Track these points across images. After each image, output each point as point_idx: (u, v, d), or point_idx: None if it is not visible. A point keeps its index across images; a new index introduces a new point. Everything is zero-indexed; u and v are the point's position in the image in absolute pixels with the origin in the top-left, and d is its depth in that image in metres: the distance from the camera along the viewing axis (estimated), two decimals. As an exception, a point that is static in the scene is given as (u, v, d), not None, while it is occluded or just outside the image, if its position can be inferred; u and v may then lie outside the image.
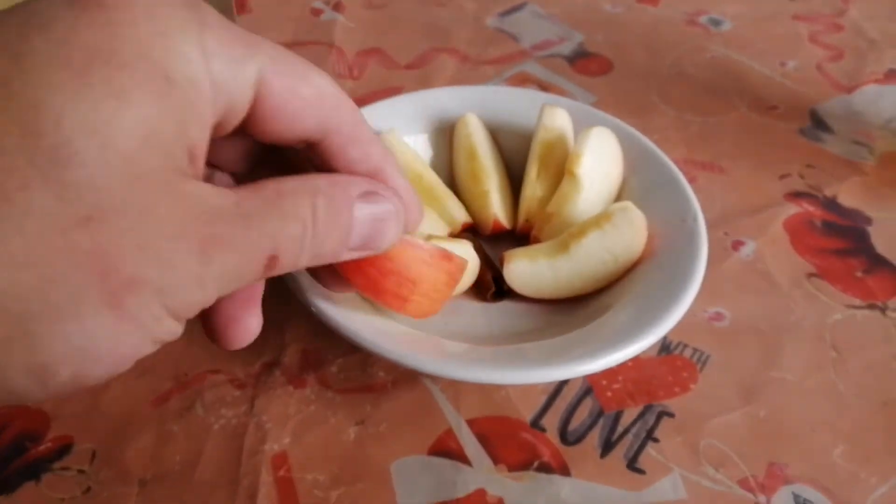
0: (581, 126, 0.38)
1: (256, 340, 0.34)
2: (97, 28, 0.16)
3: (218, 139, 0.19)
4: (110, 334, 0.16)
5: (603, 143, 0.37)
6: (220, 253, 0.17)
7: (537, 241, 0.36)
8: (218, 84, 0.18)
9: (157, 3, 0.17)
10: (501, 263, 0.35)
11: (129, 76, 0.16)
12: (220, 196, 0.18)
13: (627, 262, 0.34)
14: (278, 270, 0.19)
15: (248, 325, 0.23)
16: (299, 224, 0.19)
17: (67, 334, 0.15)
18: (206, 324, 0.23)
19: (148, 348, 0.17)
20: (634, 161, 0.38)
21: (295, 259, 0.19)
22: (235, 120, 0.19)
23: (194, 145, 0.17)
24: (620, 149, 0.38)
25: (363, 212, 0.21)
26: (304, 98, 0.19)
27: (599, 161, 0.36)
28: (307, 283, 0.30)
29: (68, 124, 0.15)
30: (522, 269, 0.34)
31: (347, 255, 0.22)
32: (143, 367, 0.33)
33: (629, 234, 0.34)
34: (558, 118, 0.38)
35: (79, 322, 0.16)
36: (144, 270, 0.16)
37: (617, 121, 0.39)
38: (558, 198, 0.36)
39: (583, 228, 0.34)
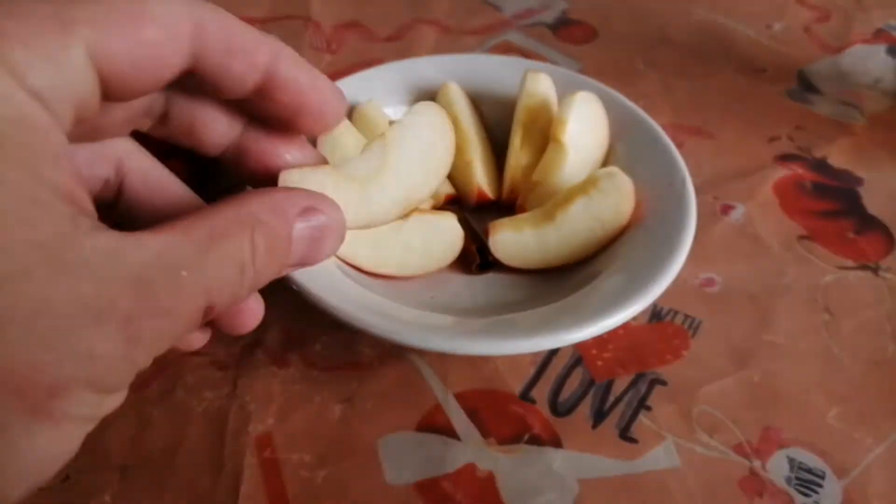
0: (565, 93, 0.37)
1: (237, 320, 0.33)
2: None
3: (91, 115, 0.17)
4: (45, 442, 0.14)
5: (588, 108, 0.36)
6: (147, 325, 0.15)
7: (523, 210, 0.35)
8: (46, 98, 0.15)
9: None
10: (487, 235, 0.34)
11: None
12: (137, 248, 0.15)
13: (615, 228, 0.33)
14: (215, 315, 0.17)
15: (254, 310, 0.22)
16: (237, 268, 0.17)
17: (6, 458, 0.14)
18: (210, 322, 0.21)
19: (85, 433, 0.16)
20: (620, 126, 0.37)
21: (233, 300, 0.17)
22: (95, 101, 0.16)
23: (61, 184, 0.14)
24: (605, 114, 0.37)
25: (302, 232, 0.19)
26: (154, 42, 0.17)
27: (584, 127, 0.36)
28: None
29: None
30: (508, 239, 0.33)
31: (285, 273, 0.20)
32: (122, 351, 0.32)
33: (616, 199, 0.33)
34: (541, 84, 0.37)
35: (12, 445, 0.14)
36: (65, 372, 0.14)
37: (602, 86, 0.38)
38: (543, 165, 0.35)
39: (569, 196, 0.33)
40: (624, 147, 0.36)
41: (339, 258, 0.32)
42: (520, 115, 0.37)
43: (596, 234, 0.33)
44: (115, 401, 0.16)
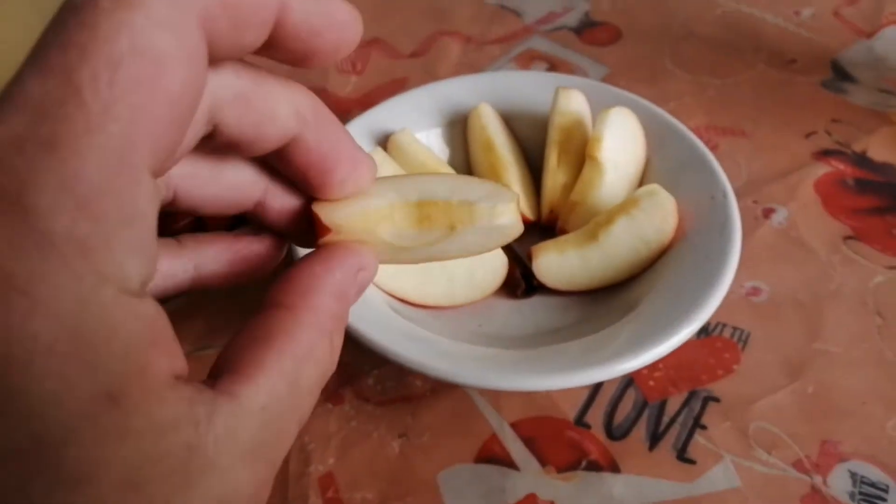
0: (598, 105, 0.37)
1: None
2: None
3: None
4: None
5: (623, 123, 0.36)
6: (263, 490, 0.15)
7: (564, 231, 0.35)
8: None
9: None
10: (530, 258, 0.34)
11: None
12: (246, 416, 0.15)
13: (659, 246, 0.33)
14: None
15: None
16: (323, 378, 0.17)
17: None
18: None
19: None
20: (656, 139, 0.37)
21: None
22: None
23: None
24: (641, 128, 0.36)
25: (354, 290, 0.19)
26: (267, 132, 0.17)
27: (621, 142, 0.35)
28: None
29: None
30: (552, 262, 0.33)
31: None
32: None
33: (659, 218, 0.33)
34: (573, 101, 0.37)
35: None
36: None
37: (633, 96, 0.38)
38: (581, 184, 0.35)
39: (610, 216, 0.33)
40: (661, 161, 0.36)
41: (385, 291, 0.32)
42: (554, 135, 0.37)
43: (640, 254, 0.33)
44: None
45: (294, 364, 0.16)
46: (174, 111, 0.14)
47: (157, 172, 0.14)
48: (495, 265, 0.34)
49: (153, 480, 0.13)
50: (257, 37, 0.15)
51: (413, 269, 0.32)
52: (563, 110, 0.37)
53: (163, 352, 0.14)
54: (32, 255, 0.12)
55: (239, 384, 0.15)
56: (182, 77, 0.13)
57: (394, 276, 0.32)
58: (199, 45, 0.14)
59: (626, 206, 0.33)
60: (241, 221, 0.21)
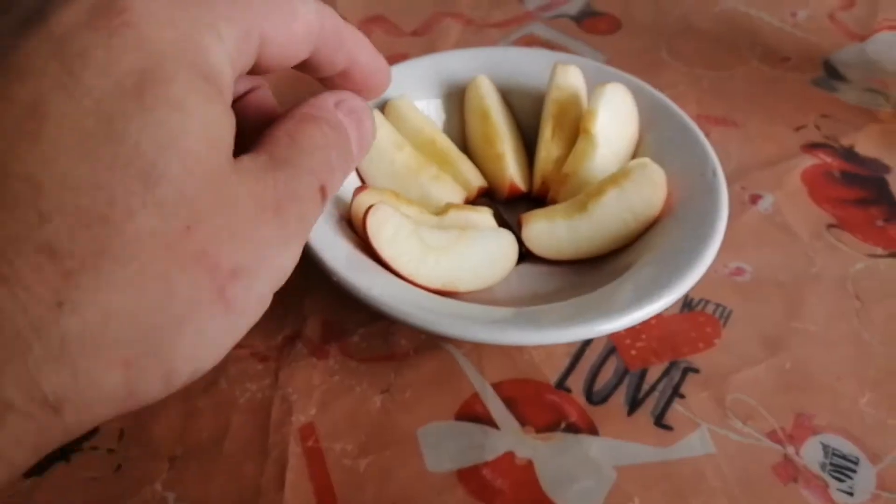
0: (593, 84, 0.38)
1: (277, 313, 0.34)
2: (132, 50, 0.17)
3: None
4: (223, 327, 0.18)
5: (617, 99, 0.36)
6: (287, 211, 0.19)
7: (554, 202, 0.36)
8: (234, 64, 0.19)
9: (173, 6, 0.18)
10: (519, 226, 0.34)
11: (179, 87, 0.17)
12: (257, 163, 0.19)
13: (647, 219, 0.33)
14: (329, 196, 0.21)
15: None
16: (324, 151, 0.21)
17: (190, 337, 0.17)
18: None
19: (242, 333, 0.19)
20: (649, 117, 0.37)
21: (335, 179, 0.22)
22: (246, 70, 0.21)
23: (230, 123, 0.19)
24: (635, 106, 0.37)
25: (346, 119, 0.23)
26: (297, 36, 0.21)
27: (615, 118, 0.36)
28: (327, 253, 0.30)
29: (147, 148, 0.16)
30: (541, 230, 0.34)
31: (361, 157, 0.24)
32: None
33: (648, 190, 0.33)
34: (571, 76, 0.38)
35: (197, 323, 0.17)
36: (242, 259, 0.18)
37: (630, 76, 0.39)
38: (574, 157, 0.36)
39: (601, 187, 0.34)
40: (654, 137, 0.37)
41: (401, 277, 0.32)
42: (550, 108, 0.37)
43: (628, 225, 0.33)
44: (267, 302, 0.19)
45: (285, 135, 0.21)
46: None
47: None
48: (508, 249, 0.34)
49: (216, 146, 0.18)
50: (335, 67, 0.23)
51: (428, 256, 0.32)
52: (560, 85, 0.37)
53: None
54: None
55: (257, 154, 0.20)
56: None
57: (410, 263, 0.32)
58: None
59: (617, 177, 0.34)
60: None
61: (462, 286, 0.32)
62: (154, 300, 0.16)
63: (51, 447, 0.16)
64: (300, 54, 0.22)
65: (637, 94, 0.38)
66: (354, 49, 0.24)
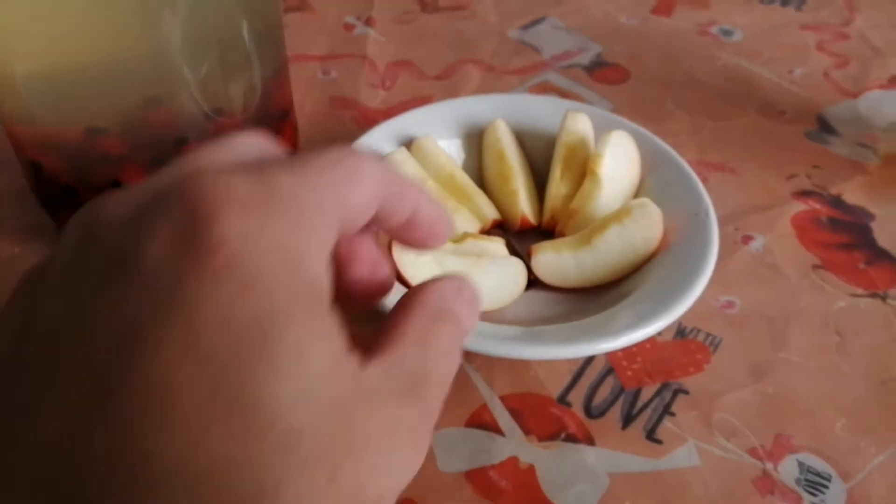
0: (600, 131, 0.42)
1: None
2: (242, 296, 0.15)
3: None
4: None
5: (622, 145, 0.40)
6: (421, 433, 0.19)
7: (562, 235, 0.40)
8: (329, 250, 0.19)
9: (266, 220, 0.16)
10: (529, 256, 0.38)
11: (297, 329, 0.16)
12: (388, 381, 0.19)
13: (646, 253, 0.37)
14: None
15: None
16: (450, 359, 0.21)
17: None
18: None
19: None
20: (651, 161, 0.41)
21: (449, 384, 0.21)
22: None
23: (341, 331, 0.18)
24: (637, 151, 0.41)
25: (464, 307, 0.22)
26: (368, 199, 0.20)
27: (618, 161, 0.40)
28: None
29: (280, 410, 0.15)
30: (549, 260, 0.37)
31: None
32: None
33: (647, 227, 0.37)
34: (580, 123, 0.42)
35: None
36: (384, 485, 0.18)
37: (634, 125, 0.43)
38: (581, 195, 0.39)
39: (604, 223, 0.38)
40: (654, 180, 0.40)
41: None
42: (560, 151, 0.41)
43: (628, 258, 0.37)
44: None
45: (419, 338, 0.20)
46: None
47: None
48: (519, 280, 0.37)
49: (339, 383, 0.17)
50: (400, 218, 0.22)
51: None
52: (570, 130, 0.41)
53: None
54: None
55: (379, 360, 0.19)
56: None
57: None
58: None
59: (619, 215, 0.37)
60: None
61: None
62: None
63: None
64: (370, 213, 0.21)
65: (640, 141, 0.41)
66: (417, 199, 0.22)
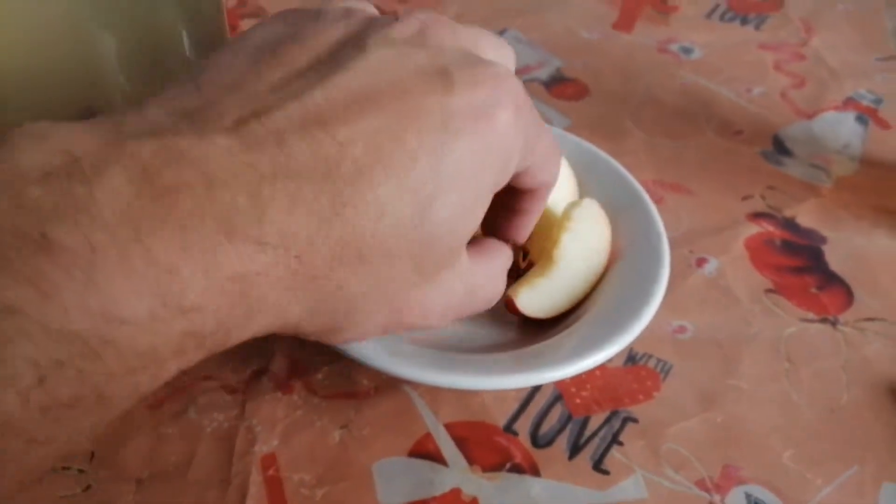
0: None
1: (246, 349, 0.36)
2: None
3: None
4: (437, 296, 0.27)
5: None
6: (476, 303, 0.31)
7: (530, 263, 0.38)
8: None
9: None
10: (510, 305, 0.35)
11: None
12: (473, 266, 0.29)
13: (606, 249, 0.37)
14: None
15: None
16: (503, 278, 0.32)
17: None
18: None
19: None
20: (602, 182, 0.40)
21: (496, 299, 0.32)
22: None
23: None
24: (569, 167, 0.41)
25: None
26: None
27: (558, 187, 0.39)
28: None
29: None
30: (530, 298, 0.35)
31: None
32: (140, 373, 0.35)
33: (595, 224, 0.37)
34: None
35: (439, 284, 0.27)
36: (455, 244, 0.27)
37: (587, 144, 0.42)
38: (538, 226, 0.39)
39: (555, 237, 0.36)
40: (607, 202, 0.40)
41: None
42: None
43: (593, 260, 0.36)
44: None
45: (489, 255, 0.32)
46: None
47: None
48: None
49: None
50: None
51: None
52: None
53: None
54: None
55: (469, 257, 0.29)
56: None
57: None
58: None
59: (562, 222, 0.36)
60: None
61: None
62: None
63: None
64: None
65: (593, 161, 0.41)
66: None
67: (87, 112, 0.36)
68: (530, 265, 0.38)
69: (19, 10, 0.32)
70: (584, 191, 0.41)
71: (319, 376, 0.36)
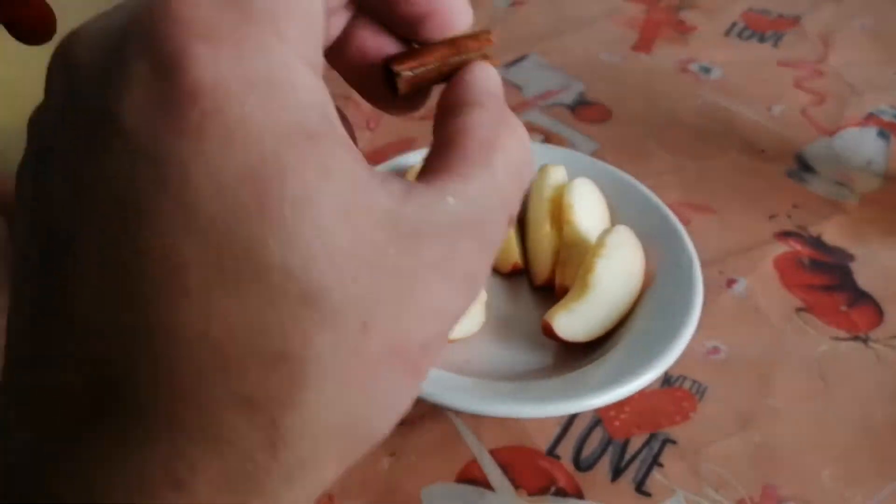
0: (578, 174, 0.42)
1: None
2: (230, 149, 0.14)
3: None
4: (411, 395, 0.17)
5: (586, 189, 0.42)
6: (475, 274, 0.17)
7: (562, 287, 0.39)
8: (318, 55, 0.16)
9: (236, 53, 0.14)
10: (547, 330, 0.36)
11: (296, 174, 0.14)
12: (445, 211, 0.16)
13: (641, 273, 0.38)
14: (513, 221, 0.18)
15: None
16: (520, 175, 0.18)
17: (386, 416, 0.17)
18: None
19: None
20: (632, 207, 0.42)
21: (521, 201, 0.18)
22: None
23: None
24: (599, 191, 0.42)
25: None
26: None
27: (587, 204, 0.41)
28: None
29: (295, 264, 0.14)
30: (568, 322, 0.36)
31: None
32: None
33: (628, 250, 0.38)
34: (560, 175, 0.43)
35: (395, 405, 0.17)
36: (429, 330, 0.16)
37: (615, 169, 0.44)
38: (566, 245, 0.40)
39: (589, 263, 0.38)
40: (638, 228, 0.41)
41: None
42: (545, 206, 0.41)
43: (628, 284, 0.38)
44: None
45: (486, 162, 0.17)
46: None
47: None
48: (473, 311, 0.38)
49: (361, 223, 0.15)
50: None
51: None
52: (552, 184, 0.42)
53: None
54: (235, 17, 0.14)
55: (444, 185, 0.16)
56: None
57: None
58: None
59: (597, 249, 0.38)
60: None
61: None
62: (357, 409, 0.16)
63: None
64: None
65: (621, 186, 0.42)
66: None
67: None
68: (565, 290, 0.39)
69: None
70: (615, 216, 0.42)
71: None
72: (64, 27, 0.30)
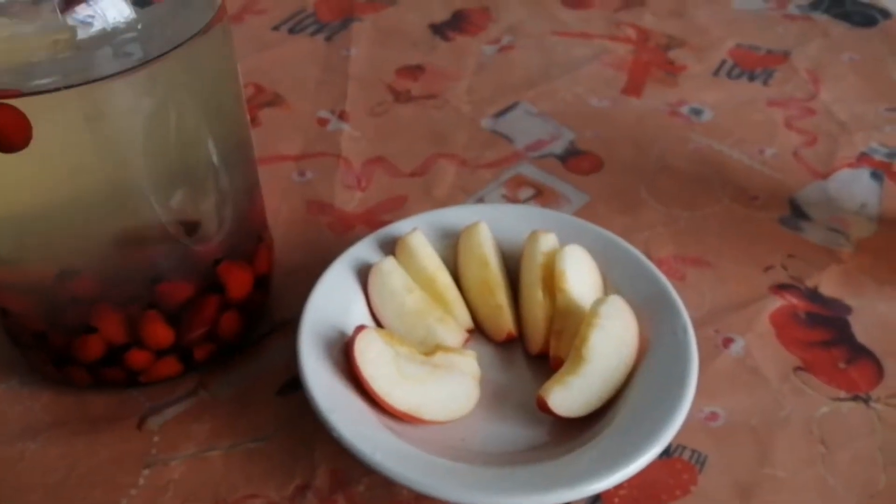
0: (570, 239, 0.42)
1: (288, 462, 0.37)
2: None
3: None
4: None
5: (577, 255, 0.41)
6: None
7: (557, 358, 0.39)
8: None
9: None
10: (542, 405, 0.36)
11: None
12: None
13: (634, 343, 0.38)
14: None
15: None
16: None
17: None
18: None
19: None
20: (622, 271, 0.41)
21: None
22: None
23: None
24: (593, 260, 0.42)
25: None
26: None
27: (580, 271, 0.41)
28: (334, 416, 0.33)
29: None
30: (563, 397, 0.36)
31: None
32: (185, 493, 0.36)
33: (622, 321, 0.38)
34: (550, 241, 0.42)
35: None
36: None
37: (604, 231, 0.43)
38: (559, 314, 0.39)
39: (583, 334, 0.37)
40: (629, 294, 0.40)
41: (375, 396, 0.36)
42: (537, 272, 0.41)
43: (623, 353, 0.37)
44: None
45: None
46: None
47: None
48: (467, 389, 0.38)
49: None
50: None
51: (410, 390, 0.36)
52: (543, 251, 0.42)
53: None
54: None
55: None
56: None
57: (390, 393, 0.36)
58: None
59: (589, 319, 0.37)
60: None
61: (426, 415, 0.36)
62: None
63: None
64: None
65: (613, 250, 0.42)
66: None
67: (123, 236, 0.37)
68: (560, 361, 0.39)
69: (57, 143, 0.32)
70: (607, 282, 0.42)
71: (361, 488, 0.37)
72: (39, 134, 0.30)
